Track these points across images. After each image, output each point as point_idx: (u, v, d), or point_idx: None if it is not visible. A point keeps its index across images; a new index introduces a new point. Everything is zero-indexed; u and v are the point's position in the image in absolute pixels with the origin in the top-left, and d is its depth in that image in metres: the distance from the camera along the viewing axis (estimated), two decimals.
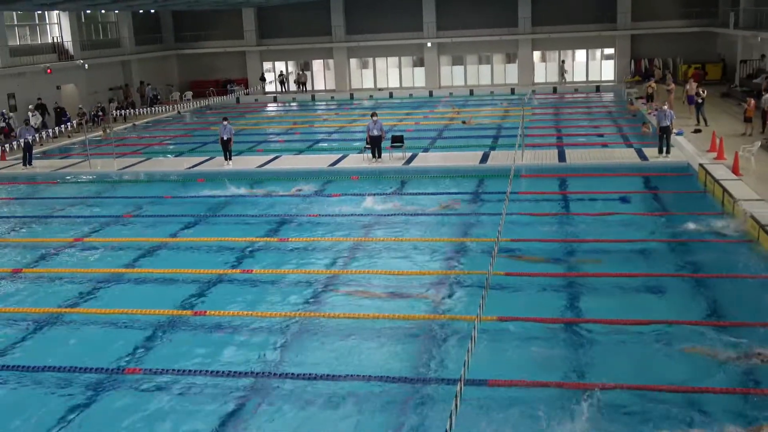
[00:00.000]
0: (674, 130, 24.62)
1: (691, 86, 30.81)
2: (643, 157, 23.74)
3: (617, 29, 46.70)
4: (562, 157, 24.41)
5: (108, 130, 31.04)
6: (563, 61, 48.38)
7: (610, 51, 48.23)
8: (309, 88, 51.56)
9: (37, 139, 29.45)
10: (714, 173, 19.70)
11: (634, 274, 13.63)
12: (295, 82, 51.57)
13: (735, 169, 20.02)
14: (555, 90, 46.52)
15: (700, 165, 20.99)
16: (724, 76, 41.81)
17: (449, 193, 20.68)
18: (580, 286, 13.36)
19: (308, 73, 51.83)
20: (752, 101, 26.19)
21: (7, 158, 28.83)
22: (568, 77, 48.01)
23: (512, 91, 46.80)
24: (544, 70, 49.27)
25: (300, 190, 21.89)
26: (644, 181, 21.39)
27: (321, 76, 52.27)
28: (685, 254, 14.89)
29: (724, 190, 18.08)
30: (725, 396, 9.40)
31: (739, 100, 31.62)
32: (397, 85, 50.42)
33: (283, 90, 51.66)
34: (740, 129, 26.31)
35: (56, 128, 32.77)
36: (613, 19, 46.74)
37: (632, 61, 47.17)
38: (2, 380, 10.77)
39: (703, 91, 28.49)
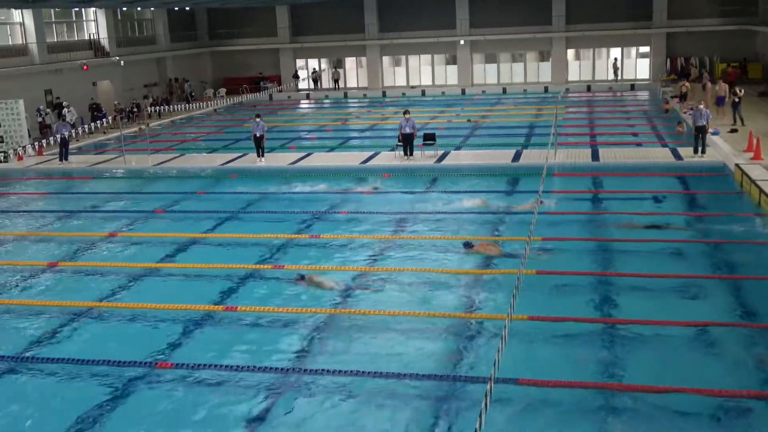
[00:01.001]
0: (710, 130, 24.27)
1: (721, 87, 30.30)
2: (678, 156, 23.43)
3: (653, 27, 46.18)
4: (595, 156, 24.17)
5: (144, 127, 31.35)
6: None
7: (645, 49, 47.73)
8: (341, 85, 51.69)
9: (73, 134, 29.82)
10: (750, 173, 19.38)
11: (668, 275, 13.44)
12: (332, 80, 51.69)
13: None
14: (588, 88, 46.12)
15: (737, 165, 20.65)
16: (765, 75, 41.16)
17: (482, 192, 20.60)
18: (614, 286, 13.24)
19: (341, 71, 51.94)
20: None
21: (44, 153, 29.24)
22: (601, 75, 47.63)
23: (545, 89, 46.54)
24: (577, 68, 48.89)
25: (377, 188, 21.62)
26: (679, 181, 21.11)
27: (354, 74, 52.36)
28: (720, 255, 14.66)
29: (761, 190, 17.77)
30: (756, 401, 9.24)
31: None
32: (430, 83, 50.33)
33: (316, 87, 51.81)
34: None
35: (92, 124, 33.17)
36: (649, 17, 46.21)
37: (668, 59, 46.61)
38: (37, 371, 10.90)
39: (740, 90, 28.03)
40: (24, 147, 29.07)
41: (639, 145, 26.43)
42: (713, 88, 31.48)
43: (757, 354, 10.45)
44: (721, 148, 23.78)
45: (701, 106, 23.19)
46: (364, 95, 49.28)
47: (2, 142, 29.03)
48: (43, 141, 29.62)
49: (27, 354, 11.48)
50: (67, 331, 12.36)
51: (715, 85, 31.62)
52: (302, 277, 13.92)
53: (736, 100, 27.61)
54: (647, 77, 47.29)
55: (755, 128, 25.28)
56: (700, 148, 22.95)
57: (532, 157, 24.22)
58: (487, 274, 14.03)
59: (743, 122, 27.29)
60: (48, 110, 34.35)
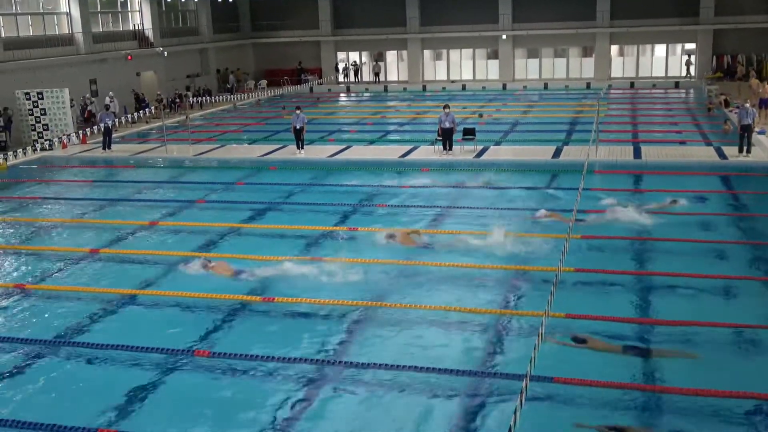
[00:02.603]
0: (756, 129, 23.84)
1: (765, 90, 29.72)
2: (722, 155, 23.06)
3: (699, 24, 45.43)
4: (637, 153, 23.91)
5: (188, 117, 31.72)
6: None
7: (691, 46, 46.97)
8: (382, 78, 51.72)
9: (116, 124, 30.25)
10: None
11: (710, 276, 13.25)
12: (373, 73, 51.70)
13: None
14: (632, 85, 45.56)
15: None
16: None
17: (523, 188, 20.50)
18: (654, 286, 13.09)
19: (382, 64, 51.96)
20: None
21: (87, 142, 29.71)
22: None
23: (588, 86, 46.09)
24: (621, 65, 48.32)
25: (488, 183, 21.17)
26: (723, 180, 20.79)
27: (394, 67, 52.35)
28: (765, 257, 14.42)
29: None
30: None
31: None
32: (471, 78, 50.12)
33: (356, 80, 51.89)
34: None
35: (135, 114, 33.59)
36: (696, 13, 45.49)
37: (714, 56, 45.85)
38: (77, 356, 11.10)
39: None
40: (68, 135, 29.57)
41: (683, 143, 26.08)
42: (763, 85, 30.87)
43: None
44: (767, 148, 23.36)
45: (747, 105, 22.80)
46: (405, 89, 49.24)
47: (47, 130, 29.57)
48: (87, 130, 30.10)
49: (69, 339, 11.70)
50: (107, 317, 12.56)
51: (764, 82, 31.02)
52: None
53: None
54: (692, 74, 46.55)
55: None
56: (745, 147, 22.57)
57: (572, 153, 24.03)
58: (518, 269, 13.96)
59: None
60: (93, 99, 34.86)
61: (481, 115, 33.82)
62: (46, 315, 12.75)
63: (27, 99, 29.59)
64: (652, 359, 10.35)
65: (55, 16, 35.67)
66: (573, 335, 10.82)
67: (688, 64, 46.66)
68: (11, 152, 27.12)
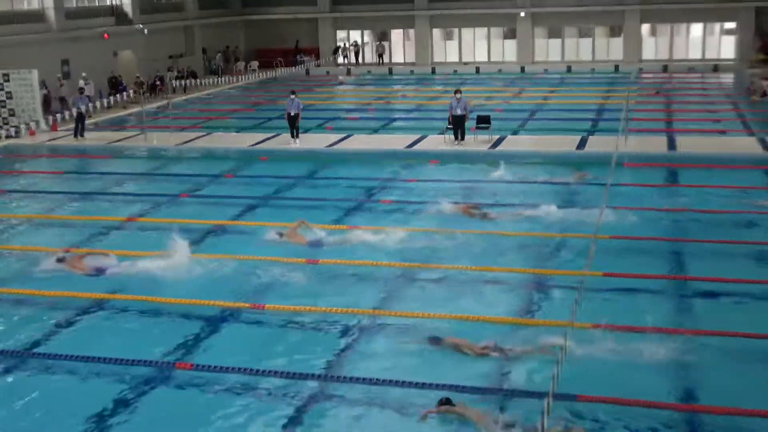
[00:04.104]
0: None
1: None
2: (766, 146, 22.95)
3: (741, 0, 45.21)
4: (672, 144, 23.81)
5: (170, 102, 31.62)
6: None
7: (731, 25, 46.76)
8: (386, 60, 51.59)
9: (91, 109, 30.17)
10: None
11: (753, 281, 13.14)
12: (376, 54, 51.56)
13: None
14: (665, 68, 45.37)
15: None
16: None
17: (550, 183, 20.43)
18: (689, 291, 12.99)
19: (386, 44, 51.84)
20: None
21: (58, 128, 29.62)
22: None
23: (616, 69, 45.95)
24: (653, 46, 48.13)
25: (585, 176, 20.77)
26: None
27: (400, 48, 52.24)
28: None
29: None
30: None
31: None
32: (485, 59, 49.98)
33: (357, 62, 51.78)
34: None
35: (111, 98, 33.52)
36: None
37: (757, 36, 45.62)
38: (42, 368, 11.01)
39: None
40: (36, 121, 29.48)
41: (722, 133, 25.95)
42: None
43: None
44: None
45: None
46: (411, 72, 49.11)
47: (13, 115, 29.45)
48: (58, 115, 30.00)
49: (35, 349, 11.61)
50: (75, 325, 12.48)
51: None
52: None
53: None
54: (732, 57, 46.37)
55: None
56: None
57: (599, 144, 23.92)
58: (549, 274, 13.88)
59: None
60: (63, 82, 34.74)
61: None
62: (7, 321, 12.67)
63: None
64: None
65: None
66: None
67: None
68: None
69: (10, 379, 10.81)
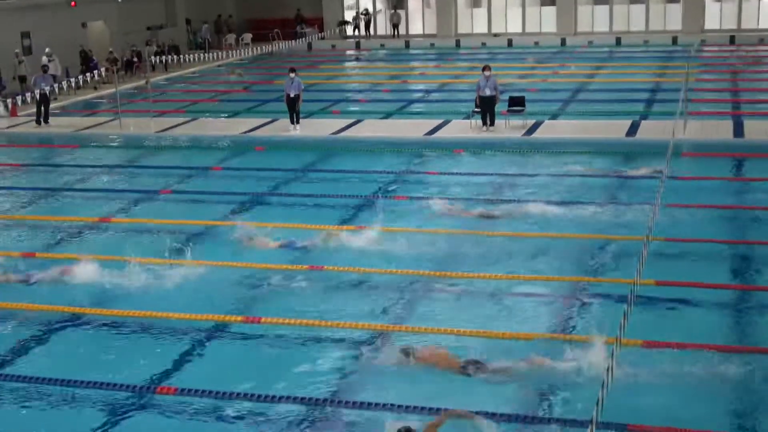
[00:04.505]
0: None
1: None
2: None
3: None
4: (739, 130, 23.84)
5: (148, 82, 31.78)
6: None
7: None
8: (402, 31, 51.70)
9: (56, 90, 30.39)
10: None
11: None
12: (390, 24, 51.67)
13: None
14: (732, 40, 45.30)
15: None
16: None
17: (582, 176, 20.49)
18: (754, 301, 13.10)
19: (402, 13, 51.93)
20: None
21: (18, 114, 29.86)
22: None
23: (674, 41, 45.89)
24: (718, 13, 48.02)
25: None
26: None
27: (418, 17, 52.34)
28: None
29: None
30: None
31: None
32: (519, 30, 50.04)
33: (368, 35, 51.89)
34: None
35: (80, 77, 33.75)
36: None
37: None
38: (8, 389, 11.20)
39: None
40: None
41: None
42: None
43: None
44: None
45: None
46: (432, 45, 49.24)
47: None
48: (18, 98, 30.24)
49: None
50: (43, 341, 12.64)
51: None
52: None
53: None
54: None
55: None
56: None
57: (653, 130, 23.96)
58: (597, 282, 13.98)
59: None
60: (23, 58, 34.99)
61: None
62: None
63: None
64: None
65: None
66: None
67: None
68: None
69: None
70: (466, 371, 11.11)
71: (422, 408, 9.91)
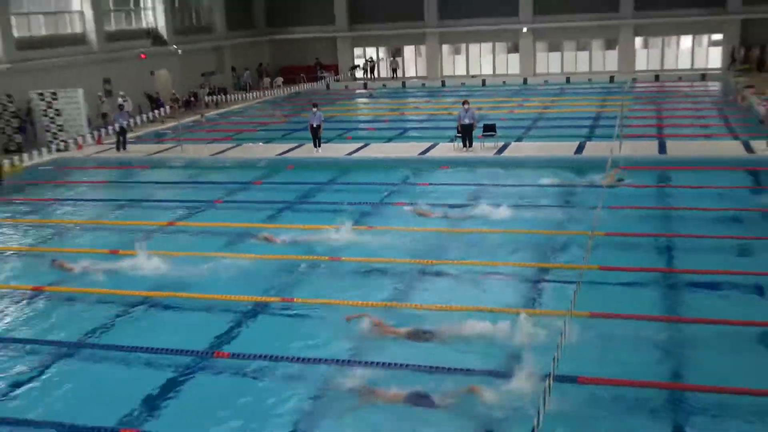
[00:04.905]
0: None
1: None
2: (750, 150, 23.02)
3: (727, 14, 45.12)
4: (662, 148, 23.91)
5: (203, 116, 31.91)
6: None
7: (717, 37, 46.70)
8: (400, 74, 51.84)
9: (131, 124, 30.53)
10: None
11: (736, 272, 13.32)
12: (390, 69, 51.85)
13: None
14: (657, 78, 45.39)
15: None
16: None
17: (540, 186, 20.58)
18: (678, 283, 13.18)
19: (399, 60, 52.08)
20: None
21: (102, 142, 30.05)
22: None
23: (611, 79, 45.94)
24: (645, 57, 48.13)
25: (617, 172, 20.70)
26: (752, 175, 20.76)
27: (412, 63, 52.47)
28: None
29: None
30: None
31: None
32: (491, 72, 50.14)
33: (373, 77, 52.03)
34: None
35: (150, 114, 33.92)
36: (723, 3, 45.20)
37: (742, 47, 45.55)
38: (95, 359, 11.38)
39: None
40: (83, 136, 29.93)
41: (709, 137, 25.99)
42: None
43: None
44: None
45: None
46: (423, 85, 49.34)
47: (62, 131, 29.92)
48: (102, 130, 30.41)
49: (87, 340, 11.97)
50: (126, 319, 12.82)
51: None
52: None
53: None
54: (719, 66, 46.32)
55: None
56: None
57: (596, 149, 24.05)
58: (550, 267, 14.10)
59: None
60: (105, 99, 35.17)
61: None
62: (68, 318, 13.03)
63: (41, 99, 29.97)
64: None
65: (67, 15, 36.07)
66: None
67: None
68: (27, 154, 27.55)
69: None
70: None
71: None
